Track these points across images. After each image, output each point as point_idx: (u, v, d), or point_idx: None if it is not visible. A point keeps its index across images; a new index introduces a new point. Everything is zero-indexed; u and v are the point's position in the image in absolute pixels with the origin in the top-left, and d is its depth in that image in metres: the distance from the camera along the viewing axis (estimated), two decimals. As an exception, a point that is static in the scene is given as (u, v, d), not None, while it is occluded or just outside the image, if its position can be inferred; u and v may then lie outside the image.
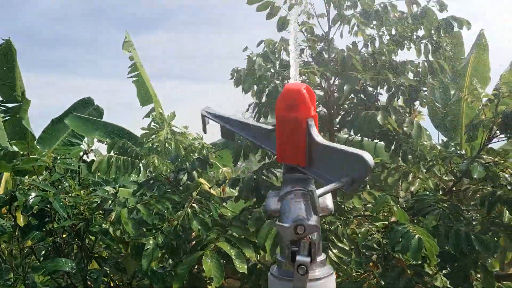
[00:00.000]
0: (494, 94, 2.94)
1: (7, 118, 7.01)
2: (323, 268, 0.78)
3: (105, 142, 6.21)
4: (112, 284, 2.68)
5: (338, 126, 3.29)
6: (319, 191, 0.71)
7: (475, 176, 2.50)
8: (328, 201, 0.80)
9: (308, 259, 0.72)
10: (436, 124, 7.06)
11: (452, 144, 6.15)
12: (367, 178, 0.73)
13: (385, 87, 3.03)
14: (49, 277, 2.56)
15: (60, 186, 2.45)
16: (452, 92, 6.82)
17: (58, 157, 2.66)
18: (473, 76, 6.27)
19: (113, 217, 2.19)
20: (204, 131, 1.10)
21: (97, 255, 2.60)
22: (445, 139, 6.78)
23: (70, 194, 2.40)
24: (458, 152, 3.02)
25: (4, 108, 7.04)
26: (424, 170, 2.91)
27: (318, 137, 0.80)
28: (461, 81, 6.45)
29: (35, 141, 7.19)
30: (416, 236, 2.03)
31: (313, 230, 0.74)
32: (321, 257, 0.79)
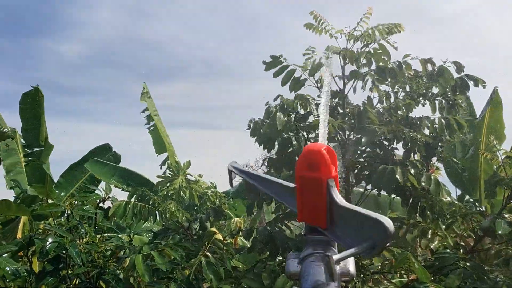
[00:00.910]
0: (513, 152, 2.92)
1: (29, 161, 7.21)
2: None
3: (122, 188, 6.27)
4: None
5: (354, 180, 3.27)
6: (336, 257, 0.69)
7: (499, 233, 2.42)
8: (350, 265, 0.77)
9: None
10: (454, 180, 6.94)
11: (471, 200, 5.98)
12: (388, 244, 0.70)
13: (401, 142, 3.04)
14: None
15: (76, 232, 2.46)
16: (468, 147, 6.77)
17: (75, 203, 2.71)
18: (488, 133, 6.25)
19: (127, 263, 2.17)
20: (231, 185, 1.12)
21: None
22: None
23: (85, 240, 2.41)
24: (479, 209, 2.95)
25: (27, 152, 7.27)
26: (444, 227, 2.83)
27: (339, 199, 0.78)
28: (477, 137, 6.43)
29: (53, 185, 7.31)
30: (439, 296, 1.94)
31: None
32: None
